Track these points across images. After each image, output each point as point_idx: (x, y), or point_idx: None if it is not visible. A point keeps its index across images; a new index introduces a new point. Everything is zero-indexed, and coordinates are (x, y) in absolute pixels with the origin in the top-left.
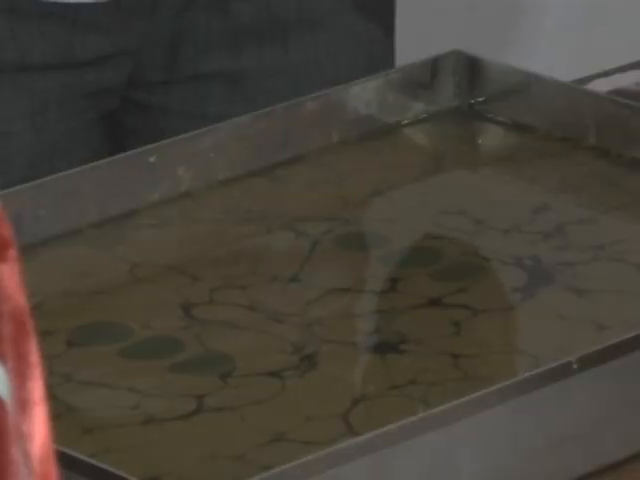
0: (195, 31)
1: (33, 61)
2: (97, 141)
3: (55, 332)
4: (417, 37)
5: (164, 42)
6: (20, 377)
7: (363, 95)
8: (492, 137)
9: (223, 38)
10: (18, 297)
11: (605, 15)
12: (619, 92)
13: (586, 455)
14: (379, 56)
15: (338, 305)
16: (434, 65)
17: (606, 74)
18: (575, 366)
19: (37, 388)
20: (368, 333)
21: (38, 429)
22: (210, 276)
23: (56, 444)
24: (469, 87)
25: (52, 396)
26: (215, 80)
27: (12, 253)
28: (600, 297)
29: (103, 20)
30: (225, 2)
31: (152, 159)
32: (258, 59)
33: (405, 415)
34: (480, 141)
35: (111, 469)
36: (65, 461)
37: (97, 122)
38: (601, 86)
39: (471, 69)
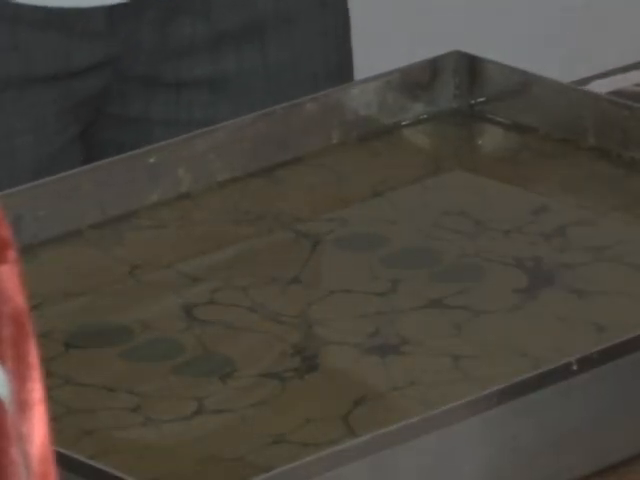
0: (178, 38)
1: (36, 73)
2: (77, 157)
3: (54, 333)
4: (417, 37)
5: (146, 49)
6: (20, 378)
7: (363, 96)
8: (492, 138)
9: (204, 44)
10: (18, 298)
11: (605, 16)
12: (619, 93)
13: (586, 456)
14: (347, 50)
15: (338, 306)
16: (434, 66)
17: (606, 75)
18: (575, 367)
19: (36, 389)
20: (368, 334)
21: (37, 430)
22: (210, 277)
23: (55, 445)
24: (469, 88)
25: (51, 398)
26: (196, 86)
27: (12, 254)
28: (600, 298)
29: (95, 27)
30: (207, 8)
31: (152, 160)
32: (238, 61)
33: (405, 416)
34: (480, 142)
35: (111, 471)
36: (64, 462)
37: (78, 137)
38: (601, 87)
39: (471, 70)
